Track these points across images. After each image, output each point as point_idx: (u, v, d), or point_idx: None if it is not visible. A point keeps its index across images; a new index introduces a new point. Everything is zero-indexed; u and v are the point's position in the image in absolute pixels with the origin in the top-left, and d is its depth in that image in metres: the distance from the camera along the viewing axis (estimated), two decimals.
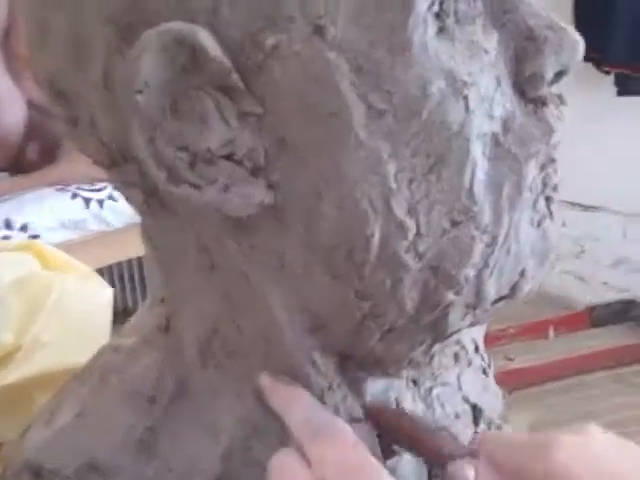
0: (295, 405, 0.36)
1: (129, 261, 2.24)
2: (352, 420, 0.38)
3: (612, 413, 1.84)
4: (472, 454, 0.36)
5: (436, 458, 0.37)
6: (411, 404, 0.42)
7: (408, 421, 0.39)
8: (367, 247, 0.34)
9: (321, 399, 0.37)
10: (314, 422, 0.35)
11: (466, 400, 0.46)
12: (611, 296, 2.45)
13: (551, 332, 2.19)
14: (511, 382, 1.76)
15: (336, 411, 0.37)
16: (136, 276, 2.45)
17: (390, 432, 0.38)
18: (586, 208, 2.49)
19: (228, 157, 0.34)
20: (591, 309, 2.32)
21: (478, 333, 0.46)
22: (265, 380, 0.38)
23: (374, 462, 0.34)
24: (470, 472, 0.35)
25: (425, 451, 0.38)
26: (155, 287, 0.44)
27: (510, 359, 2.04)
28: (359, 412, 0.39)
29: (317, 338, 0.38)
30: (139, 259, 2.22)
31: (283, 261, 0.36)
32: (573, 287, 2.54)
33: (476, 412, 0.46)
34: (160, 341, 0.42)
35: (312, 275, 0.36)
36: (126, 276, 2.46)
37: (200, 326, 0.40)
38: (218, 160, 0.34)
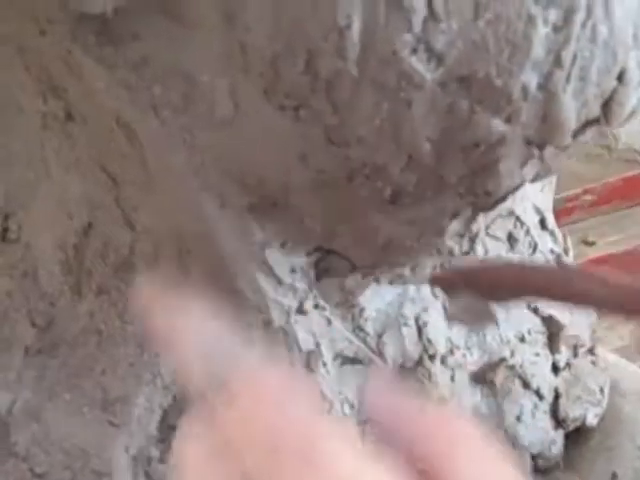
0: (177, 339, 0.25)
1: None
2: (343, 362, 0.32)
3: None
4: None
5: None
6: (442, 324, 0.34)
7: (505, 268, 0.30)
8: (340, 48, 0.25)
9: (283, 333, 0.30)
10: (212, 364, 0.24)
11: (534, 310, 0.38)
12: None
13: None
14: None
15: (316, 351, 0.31)
16: None
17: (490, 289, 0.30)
18: None
19: None
20: None
21: (544, 199, 0.38)
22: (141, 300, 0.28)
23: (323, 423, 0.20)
24: None
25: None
26: None
27: (589, 243, 1.27)
28: (356, 350, 0.32)
29: (268, 225, 0.30)
30: None
31: (188, 90, 0.27)
32: None
33: (552, 328, 0.37)
34: None
35: (245, 113, 0.27)
36: None
37: (61, 224, 0.33)
38: None
